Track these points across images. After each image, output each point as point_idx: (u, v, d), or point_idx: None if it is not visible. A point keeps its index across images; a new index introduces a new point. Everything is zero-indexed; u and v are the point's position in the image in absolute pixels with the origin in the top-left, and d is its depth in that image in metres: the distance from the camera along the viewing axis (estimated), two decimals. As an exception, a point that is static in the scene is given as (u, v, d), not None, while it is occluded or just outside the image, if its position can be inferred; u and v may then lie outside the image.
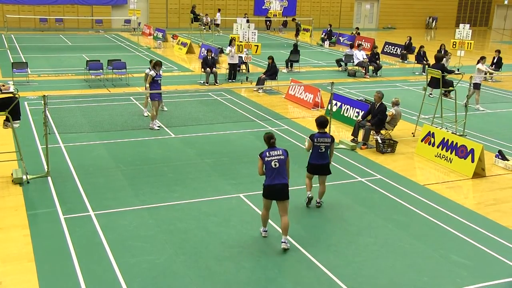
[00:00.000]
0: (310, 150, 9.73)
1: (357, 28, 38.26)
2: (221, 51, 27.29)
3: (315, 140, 9.59)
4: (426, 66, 22.12)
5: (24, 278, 7.39)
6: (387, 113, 13.68)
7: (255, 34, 22.10)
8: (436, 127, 13.90)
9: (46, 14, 38.60)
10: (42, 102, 10.71)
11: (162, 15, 42.22)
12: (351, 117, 15.53)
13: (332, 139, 9.68)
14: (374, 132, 13.58)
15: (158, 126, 14.47)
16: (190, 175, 11.38)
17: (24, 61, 21.93)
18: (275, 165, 8.22)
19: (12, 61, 21.64)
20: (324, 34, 36.41)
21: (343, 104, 16.15)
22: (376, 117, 13.53)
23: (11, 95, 10.61)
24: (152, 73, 14.31)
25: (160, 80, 14.58)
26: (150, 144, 13.33)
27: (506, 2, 51.45)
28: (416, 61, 25.77)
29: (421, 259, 8.30)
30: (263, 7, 44.84)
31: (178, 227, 9.01)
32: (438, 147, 12.83)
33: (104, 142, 13.26)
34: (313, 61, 28.02)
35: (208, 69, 20.48)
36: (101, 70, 20.52)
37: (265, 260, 8.08)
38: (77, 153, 12.40)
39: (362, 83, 22.61)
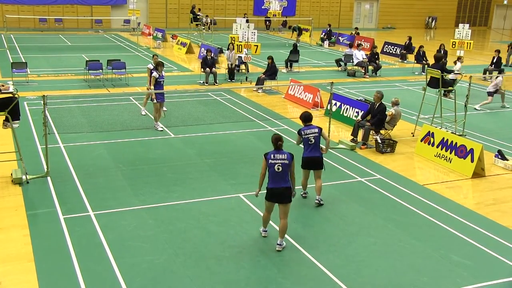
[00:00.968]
0: (302, 145, 9.84)
1: (356, 28, 38.25)
2: (221, 51, 27.30)
3: (302, 132, 9.74)
4: (426, 66, 22.12)
5: (24, 278, 7.39)
6: (386, 113, 13.68)
7: (254, 34, 22.10)
8: (436, 127, 13.90)
9: (45, 14, 38.57)
10: (42, 102, 10.71)
11: (162, 15, 42.21)
12: (351, 117, 15.53)
13: (320, 128, 9.81)
14: (373, 132, 13.59)
15: (161, 129, 14.39)
16: (189, 175, 11.38)
17: (24, 61, 21.92)
18: (278, 169, 8.17)
19: (11, 61, 21.65)
20: (323, 34, 36.41)
21: (342, 104, 16.15)
22: (375, 117, 13.53)
23: (10, 95, 10.60)
24: (155, 74, 14.27)
25: (163, 81, 14.56)
26: (149, 144, 13.32)
27: (505, 2, 51.48)
28: (415, 61, 25.77)
29: (421, 259, 8.30)
30: (262, 7, 44.83)
31: (177, 227, 9.01)
32: (437, 147, 12.83)
33: (103, 142, 13.26)
34: (312, 61, 28.02)
35: (207, 69, 20.48)
36: (100, 70, 20.51)
37: (265, 260, 8.08)
38: (76, 153, 12.39)
39: (361, 83, 22.61)
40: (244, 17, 34.32)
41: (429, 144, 13.08)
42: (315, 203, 10.00)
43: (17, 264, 7.75)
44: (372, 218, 9.66)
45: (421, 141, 13.32)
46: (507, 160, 12.70)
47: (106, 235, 8.62)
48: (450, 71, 16.22)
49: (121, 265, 7.75)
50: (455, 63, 20.82)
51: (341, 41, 35.96)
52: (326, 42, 35.29)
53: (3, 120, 10.75)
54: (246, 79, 21.70)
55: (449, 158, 12.46)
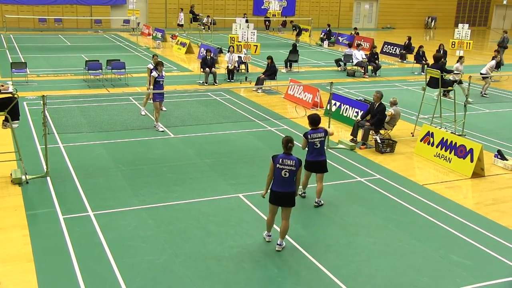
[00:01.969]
0: (307, 148, 9.81)
1: (356, 28, 38.25)
2: (220, 51, 27.30)
3: (309, 136, 9.71)
4: (425, 66, 22.12)
5: (24, 278, 7.38)
6: (386, 113, 13.68)
7: (254, 34, 22.09)
8: (435, 127, 13.91)
9: (45, 14, 38.56)
10: (41, 102, 10.71)
11: (161, 15, 42.21)
12: (350, 117, 15.53)
13: (326, 131, 9.90)
14: (373, 132, 13.59)
15: (162, 130, 14.37)
16: (189, 175, 11.38)
17: (23, 61, 21.92)
18: (285, 174, 8.11)
19: (11, 61, 21.64)
20: (323, 34, 36.41)
21: (342, 104, 16.15)
22: (375, 117, 13.53)
23: (10, 95, 10.59)
24: (155, 74, 14.26)
25: (163, 81, 14.55)
26: (149, 144, 13.32)
27: (505, 2, 51.48)
28: (415, 61, 25.77)
29: (421, 259, 8.30)
30: (262, 7, 44.84)
31: (177, 227, 9.01)
32: (437, 147, 12.83)
33: (103, 142, 13.25)
34: (312, 61, 28.02)
35: (207, 69, 20.47)
36: (100, 70, 20.50)
37: (264, 260, 8.07)
38: (76, 153, 12.39)
39: (361, 83, 22.62)
40: (243, 17, 34.32)
41: (428, 144, 13.08)
42: (314, 205, 10.00)
43: (17, 264, 7.75)
44: (372, 218, 9.66)
45: (421, 141, 13.32)
46: (507, 160, 12.70)
47: (106, 235, 8.61)
48: (449, 71, 16.23)
49: (121, 265, 7.75)
50: (461, 64, 20.38)
51: (340, 41, 35.96)
52: (326, 42, 35.30)
53: (3, 120, 10.74)
54: (246, 79, 21.71)
55: (449, 158, 12.47)
